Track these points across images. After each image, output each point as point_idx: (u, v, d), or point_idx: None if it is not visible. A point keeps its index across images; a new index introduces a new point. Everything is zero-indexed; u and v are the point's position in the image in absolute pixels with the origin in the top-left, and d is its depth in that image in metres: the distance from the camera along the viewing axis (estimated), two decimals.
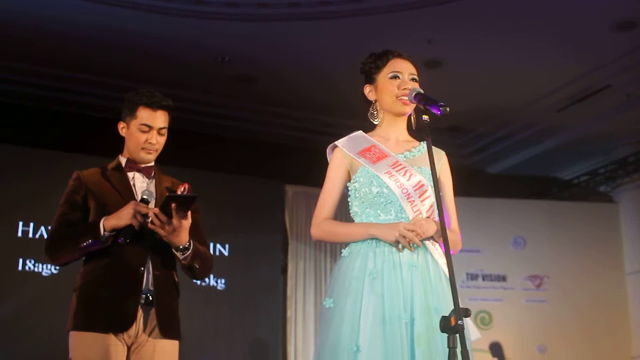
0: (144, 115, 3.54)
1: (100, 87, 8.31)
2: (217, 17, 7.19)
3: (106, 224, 3.33)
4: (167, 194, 3.31)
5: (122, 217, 3.31)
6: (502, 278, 9.65)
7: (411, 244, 2.94)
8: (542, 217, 9.80)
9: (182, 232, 3.32)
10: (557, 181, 10.90)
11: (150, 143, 3.54)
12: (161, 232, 3.30)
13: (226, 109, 9.05)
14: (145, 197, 3.41)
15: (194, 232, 3.46)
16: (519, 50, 7.65)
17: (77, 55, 7.78)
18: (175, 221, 3.28)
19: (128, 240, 3.33)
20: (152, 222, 3.29)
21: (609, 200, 10.35)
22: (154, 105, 3.55)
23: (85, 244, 3.35)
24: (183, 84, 8.22)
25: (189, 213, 3.34)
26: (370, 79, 3.25)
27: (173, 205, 3.25)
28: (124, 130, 3.60)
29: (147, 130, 3.54)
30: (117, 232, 3.34)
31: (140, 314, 3.35)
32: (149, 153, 3.57)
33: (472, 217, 8.82)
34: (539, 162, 10.30)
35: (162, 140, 3.60)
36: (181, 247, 3.38)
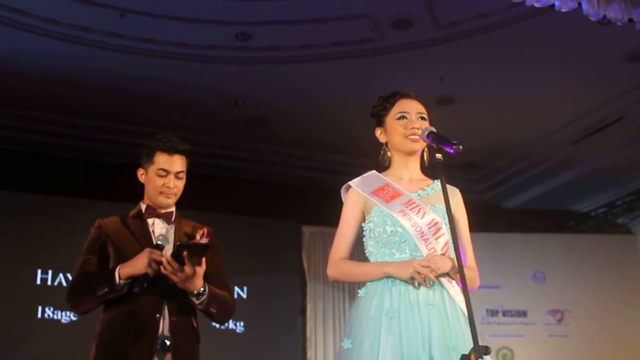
0: (161, 160, 3.58)
1: (116, 133, 8.38)
2: (230, 61, 7.27)
3: (122, 272, 3.34)
4: (179, 243, 3.32)
5: (137, 266, 3.33)
6: (523, 313, 9.57)
7: (426, 280, 2.93)
8: (561, 251, 9.73)
9: (195, 279, 3.33)
10: (575, 214, 10.84)
11: (168, 187, 3.57)
12: (174, 278, 3.31)
13: (241, 151, 9.10)
14: (159, 242, 3.41)
15: (214, 276, 3.46)
16: (531, 84, 7.67)
17: (94, 102, 7.88)
18: (187, 269, 3.28)
19: (145, 285, 3.33)
20: (164, 268, 3.30)
21: (627, 232, 10.27)
22: (170, 150, 3.59)
23: (101, 292, 3.37)
24: (198, 128, 8.28)
25: (203, 260, 3.35)
26: (380, 122, 3.28)
27: (185, 253, 3.26)
28: (142, 176, 3.64)
29: (164, 175, 3.57)
30: (132, 280, 3.35)
31: None
32: (168, 197, 3.60)
33: (490, 253, 8.77)
34: (555, 196, 10.25)
35: (180, 184, 3.62)
36: (195, 292, 3.38)
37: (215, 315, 3.53)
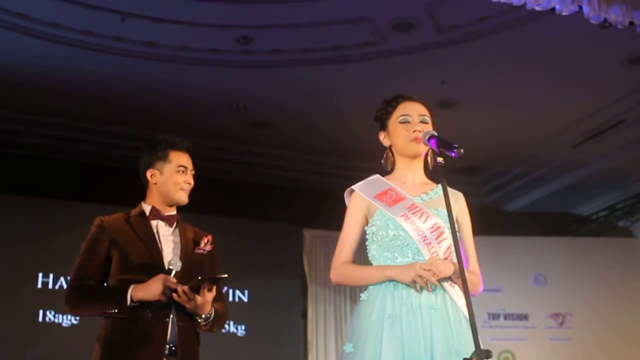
0: (177, 157, 3.64)
1: (118, 136, 8.39)
2: (232, 64, 7.28)
3: (134, 295, 3.31)
4: (200, 277, 3.28)
5: (151, 292, 3.30)
6: (524, 317, 9.57)
7: (428, 284, 2.93)
8: (562, 254, 9.73)
9: (205, 305, 3.35)
10: (576, 217, 10.84)
11: (189, 183, 3.62)
12: (187, 305, 3.32)
13: (242, 154, 9.10)
14: (171, 267, 3.38)
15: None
16: (532, 87, 7.68)
17: (96, 106, 7.88)
18: (199, 298, 3.30)
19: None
20: (178, 296, 3.29)
21: (628, 234, 10.27)
22: (183, 147, 3.66)
23: (109, 311, 3.36)
24: (200, 131, 8.27)
25: (214, 287, 3.36)
26: (383, 125, 3.28)
27: (202, 285, 3.28)
28: (154, 177, 3.63)
29: (184, 171, 3.62)
30: (143, 303, 3.32)
31: None
32: (187, 193, 3.64)
33: (491, 256, 8.76)
34: (556, 199, 10.26)
35: (193, 181, 3.67)
36: (204, 316, 3.41)
37: (215, 332, 3.60)
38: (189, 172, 3.64)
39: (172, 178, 3.60)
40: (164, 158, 3.62)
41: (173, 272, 3.37)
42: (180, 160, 3.62)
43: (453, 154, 2.81)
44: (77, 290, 3.46)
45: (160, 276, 3.32)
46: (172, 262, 3.41)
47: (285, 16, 6.65)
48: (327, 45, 7.08)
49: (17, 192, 8.13)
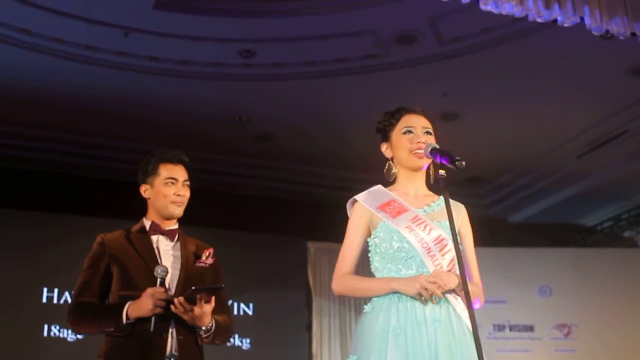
0: (167, 170, 3.60)
1: (120, 151, 8.40)
2: (234, 77, 7.30)
3: (130, 313, 3.31)
4: (193, 287, 3.26)
5: (143, 309, 3.29)
6: (530, 328, 9.53)
7: (433, 296, 2.92)
8: (567, 265, 9.70)
9: (204, 316, 3.33)
10: (581, 228, 10.82)
11: (179, 195, 3.57)
12: (184, 317, 3.31)
13: (246, 167, 9.11)
14: (157, 276, 3.35)
15: (216, 300, 3.45)
16: (535, 98, 7.68)
17: (99, 120, 7.90)
18: (197, 309, 3.29)
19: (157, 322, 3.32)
20: (175, 307, 3.28)
21: (633, 245, 10.24)
22: (174, 160, 3.62)
23: (106, 330, 3.37)
24: (203, 144, 8.29)
25: (213, 298, 3.34)
26: (386, 137, 3.27)
27: (198, 296, 3.26)
28: (147, 192, 3.62)
29: (174, 183, 3.58)
30: (139, 320, 3.31)
31: None
32: (179, 206, 3.59)
33: (496, 268, 8.74)
34: (561, 210, 10.24)
35: (187, 193, 3.63)
36: (204, 328, 3.39)
37: (217, 344, 3.56)
38: (179, 184, 3.58)
39: (162, 191, 3.57)
40: (154, 172, 3.60)
41: (159, 281, 3.33)
42: (169, 172, 3.59)
43: (454, 167, 2.82)
44: (77, 307, 3.48)
45: (147, 291, 3.30)
46: (158, 271, 3.37)
47: (287, 29, 6.67)
48: (330, 58, 7.10)
49: (20, 206, 8.14)
